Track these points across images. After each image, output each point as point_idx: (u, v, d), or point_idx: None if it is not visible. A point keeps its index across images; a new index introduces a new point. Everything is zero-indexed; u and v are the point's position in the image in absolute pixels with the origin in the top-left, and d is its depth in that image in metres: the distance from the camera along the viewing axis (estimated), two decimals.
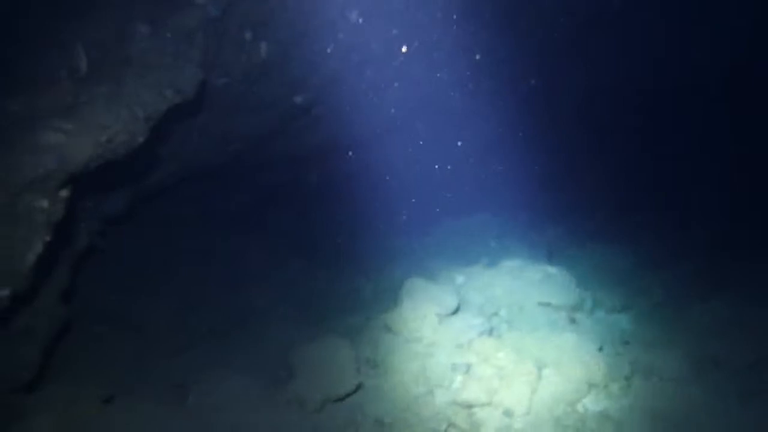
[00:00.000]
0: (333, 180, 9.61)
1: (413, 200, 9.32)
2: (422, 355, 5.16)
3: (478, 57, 7.80)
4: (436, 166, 9.17)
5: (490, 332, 5.58)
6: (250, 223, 8.62)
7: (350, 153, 8.15)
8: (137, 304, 5.97)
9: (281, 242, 8.42)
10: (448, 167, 9.38)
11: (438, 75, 7.77)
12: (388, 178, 9.21)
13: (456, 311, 5.74)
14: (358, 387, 4.87)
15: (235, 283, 7.21)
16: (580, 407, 4.82)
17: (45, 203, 3.32)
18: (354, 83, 6.29)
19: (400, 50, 6.27)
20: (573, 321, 6.13)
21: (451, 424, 4.62)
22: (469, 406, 4.67)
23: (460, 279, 6.34)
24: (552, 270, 6.42)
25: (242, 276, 7.38)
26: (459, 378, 4.96)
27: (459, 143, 9.61)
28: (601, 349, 5.48)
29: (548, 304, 6.18)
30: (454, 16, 6.56)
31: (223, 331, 5.99)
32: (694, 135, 10.62)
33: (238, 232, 8.26)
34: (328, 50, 5.20)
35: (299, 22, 4.97)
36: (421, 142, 9.59)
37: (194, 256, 7.37)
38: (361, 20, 5.10)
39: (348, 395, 4.82)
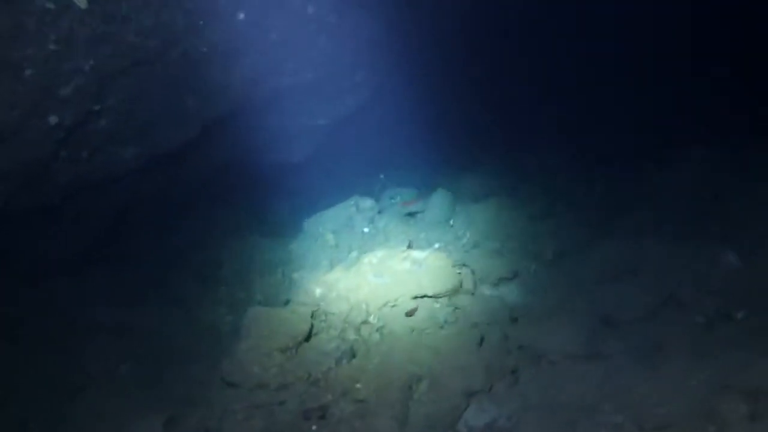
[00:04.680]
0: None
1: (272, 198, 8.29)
2: (266, 408, 4.13)
3: None
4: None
5: (352, 354, 4.60)
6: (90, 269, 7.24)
7: None
8: None
9: (131, 280, 7.10)
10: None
11: None
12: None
13: (309, 336, 4.73)
14: None
15: (73, 343, 5.92)
16: (461, 427, 3.95)
17: None
18: None
19: None
20: (455, 308, 5.26)
21: None
22: None
23: (318, 291, 5.32)
24: (420, 255, 5.50)
25: (84, 330, 6.09)
26: (313, 428, 3.97)
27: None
28: (482, 340, 4.64)
29: (423, 296, 5.29)
30: None
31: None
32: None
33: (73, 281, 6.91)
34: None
35: None
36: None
37: None
38: None
39: None
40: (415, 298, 5.27)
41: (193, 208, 8.28)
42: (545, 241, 6.14)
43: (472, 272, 5.61)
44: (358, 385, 4.12)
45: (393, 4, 7.32)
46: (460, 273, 5.47)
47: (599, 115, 9.15)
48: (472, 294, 5.42)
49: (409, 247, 6.21)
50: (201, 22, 5.17)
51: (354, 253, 6.27)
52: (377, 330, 5.00)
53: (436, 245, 6.51)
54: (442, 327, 4.96)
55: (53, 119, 4.63)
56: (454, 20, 8.47)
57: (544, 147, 8.77)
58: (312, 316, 4.96)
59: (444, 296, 5.31)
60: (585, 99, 9.58)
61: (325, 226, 7.16)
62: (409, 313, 4.95)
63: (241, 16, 5.16)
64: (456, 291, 5.35)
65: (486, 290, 5.56)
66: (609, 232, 5.86)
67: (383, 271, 5.43)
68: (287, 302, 5.36)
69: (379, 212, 7.52)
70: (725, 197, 5.72)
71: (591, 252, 5.49)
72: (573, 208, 6.71)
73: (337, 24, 6.73)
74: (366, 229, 7.00)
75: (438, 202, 7.33)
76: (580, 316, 4.71)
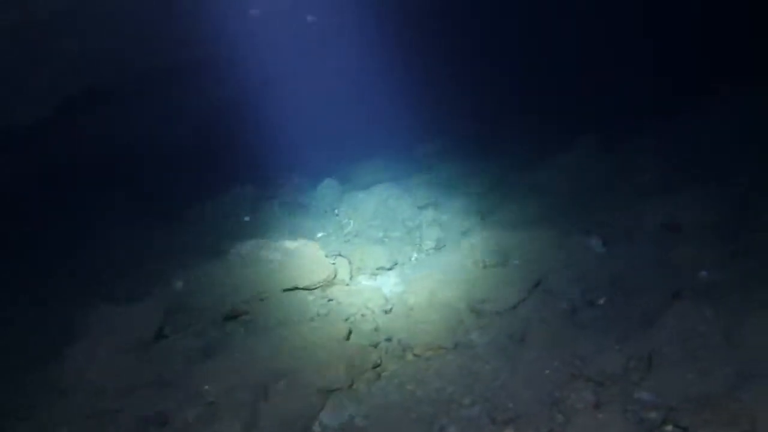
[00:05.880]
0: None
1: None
2: (99, 417, 3.70)
3: None
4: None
5: (210, 351, 4.24)
6: None
7: None
8: None
9: None
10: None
11: None
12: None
13: (159, 336, 4.32)
14: None
15: None
16: (316, 427, 3.69)
17: None
18: None
19: None
20: (329, 300, 5.01)
21: None
22: None
23: (179, 284, 4.90)
24: (291, 245, 5.19)
25: None
26: None
27: None
28: (350, 334, 4.41)
29: (295, 288, 5.00)
30: None
31: None
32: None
33: None
34: None
35: None
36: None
37: None
38: None
39: None
40: (286, 290, 4.98)
41: (60, 193, 7.54)
42: (428, 229, 6.00)
43: (349, 262, 5.38)
44: (206, 387, 3.77)
45: None
46: (334, 263, 5.22)
47: (497, 104, 9.17)
48: (348, 285, 5.19)
49: (289, 236, 5.90)
50: None
51: (228, 243, 5.85)
52: (242, 325, 4.67)
53: (319, 234, 6.26)
54: (312, 320, 4.70)
55: None
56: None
57: (440, 136, 8.68)
58: (169, 312, 4.55)
59: (317, 288, 5.05)
60: (486, 87, 9.58)
61: (206, 213, 6.72)
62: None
63: None
64: (330, 282, 5.10)
65: (363, 280, 5.34)
66: (490, 221, 5.81)
67: (253, 262, 5.09)
68: (145, 297, 4.88)
69: (267, 199, 7.15)
70: (599, 187, 5.82)
71: (470, 240, 5.38)
72: (460, 197, 6.63)
73: None
74: (247, 218, 6.62)
75: (324, 191, 7.07)
76: (451, 306, 4.58)
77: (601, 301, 4.27)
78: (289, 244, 5.18)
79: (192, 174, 7.77)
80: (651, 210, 5.08)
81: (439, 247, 5.71)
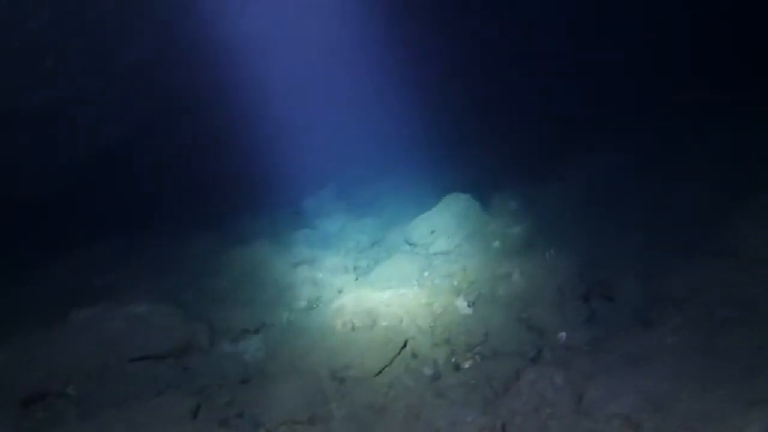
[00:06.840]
0: None
1: None
2: None
3: None
4: None
5: None
6: None
7: None
8: None
9: None
10: None
11: None
12: None
13: None
14: None
15: None
16: None
17: None
18: None
19: None
20: (184, 369, 4.56)
21: None
22: None
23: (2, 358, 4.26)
24: (145, 308, 4.72)
25: None
26: None
27: None
28: (198, 410, 3.98)
29: (143, 358, 4.51)
30: None
31: None
32: None
33: None
34: None
35: None
36: None
37: None
38: None
39: None
40: (132, 360, 4.47)
41: None
42: (302, 288, 5.72)
43: (210, 327, 4.96)
44: None
45: None
46: (192, 328, 4.79)
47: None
48: (207, 351, 4.76)
49: (147, 298, 5.38)
50: None
51: (69, 308, 5.20)
52: (73, 405, 4.10)
53: (184, 295, 5.77)
54: (159, 394, 4.22)
55: None
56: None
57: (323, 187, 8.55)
58: None
59: (170, 356, 4.58)
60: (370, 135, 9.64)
61: (53, 274, 6.06)
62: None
63: None
64: (186, 349, 4.66)
65: (226, 346, 4.92)
66: (363, 280, 5.65)
67: (95, 330, 4.56)
68: None
69: (131, 256, 6.59)
70: (467, 245, 5.85)
71: (341, 300, 5.14)
72: (339, 253, 6.44)
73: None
74: (98, 281, 6.00)
75: (199, 246, 6.64)
76: (313, 373, 4.27)
77: (467, 365, 4.16)
78: (141, 308, 4.70)
79: (46, 227, 7.06)
80: (517, 268, 5.10)
81: (311, 307, 5.43)
